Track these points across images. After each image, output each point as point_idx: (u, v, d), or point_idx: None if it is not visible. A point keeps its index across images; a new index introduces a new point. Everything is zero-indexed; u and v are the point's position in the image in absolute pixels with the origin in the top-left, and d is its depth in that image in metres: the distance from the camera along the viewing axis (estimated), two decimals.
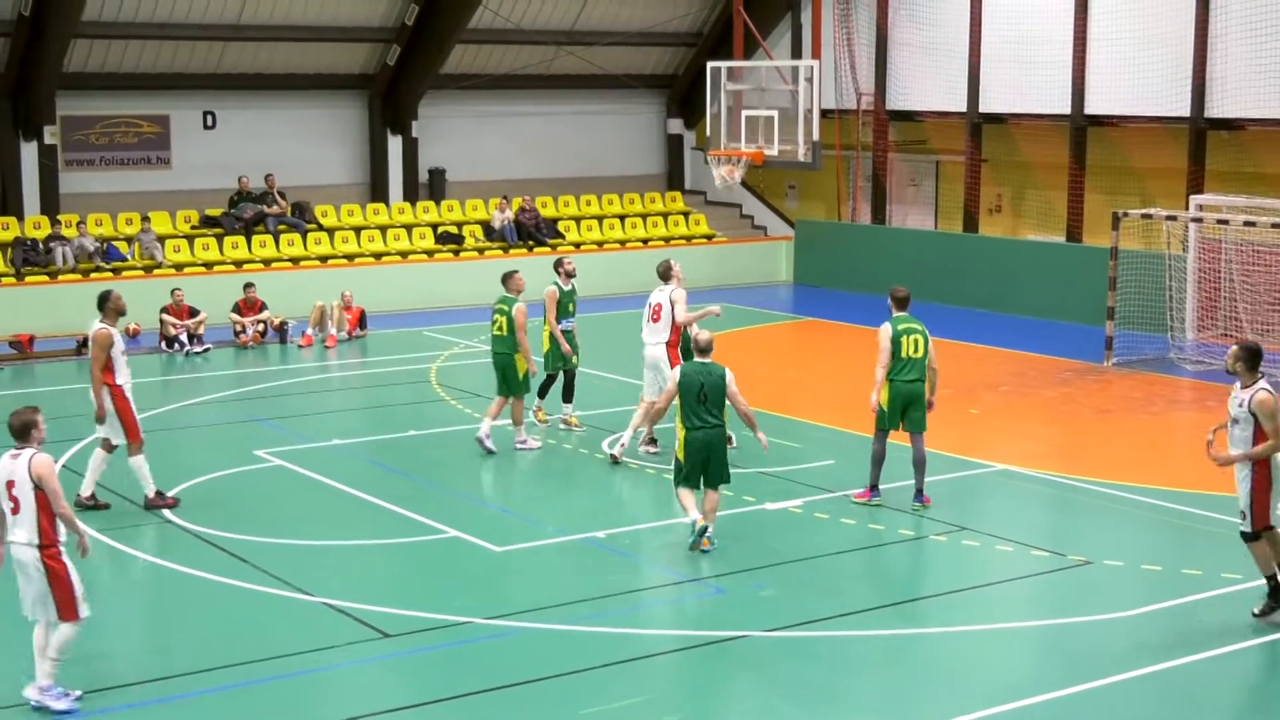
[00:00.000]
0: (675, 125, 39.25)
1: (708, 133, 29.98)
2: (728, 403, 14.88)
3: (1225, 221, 25.43)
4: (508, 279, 20.10)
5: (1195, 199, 27.30)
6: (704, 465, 14.90)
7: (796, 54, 32.98)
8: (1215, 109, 28.49)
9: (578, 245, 35.15)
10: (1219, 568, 14.34)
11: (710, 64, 30.08)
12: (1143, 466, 18.63)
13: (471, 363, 25.85)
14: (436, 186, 35.84)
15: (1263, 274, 26.32)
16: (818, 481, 17.59)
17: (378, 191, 35.08)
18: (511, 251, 33.95)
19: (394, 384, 24.29)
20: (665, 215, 37.39)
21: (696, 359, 14.98)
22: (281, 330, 27.85)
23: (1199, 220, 25.99)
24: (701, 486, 15.01)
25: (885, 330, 16.55)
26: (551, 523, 16.04)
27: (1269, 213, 25.70)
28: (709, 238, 37.02)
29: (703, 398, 14.75)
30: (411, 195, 35.19)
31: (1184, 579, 14.13)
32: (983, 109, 32.38)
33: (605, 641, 12.62)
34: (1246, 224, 24.83)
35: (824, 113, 29.97)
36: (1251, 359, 12.82)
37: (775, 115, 28.85)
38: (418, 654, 12.39)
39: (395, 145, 35.06)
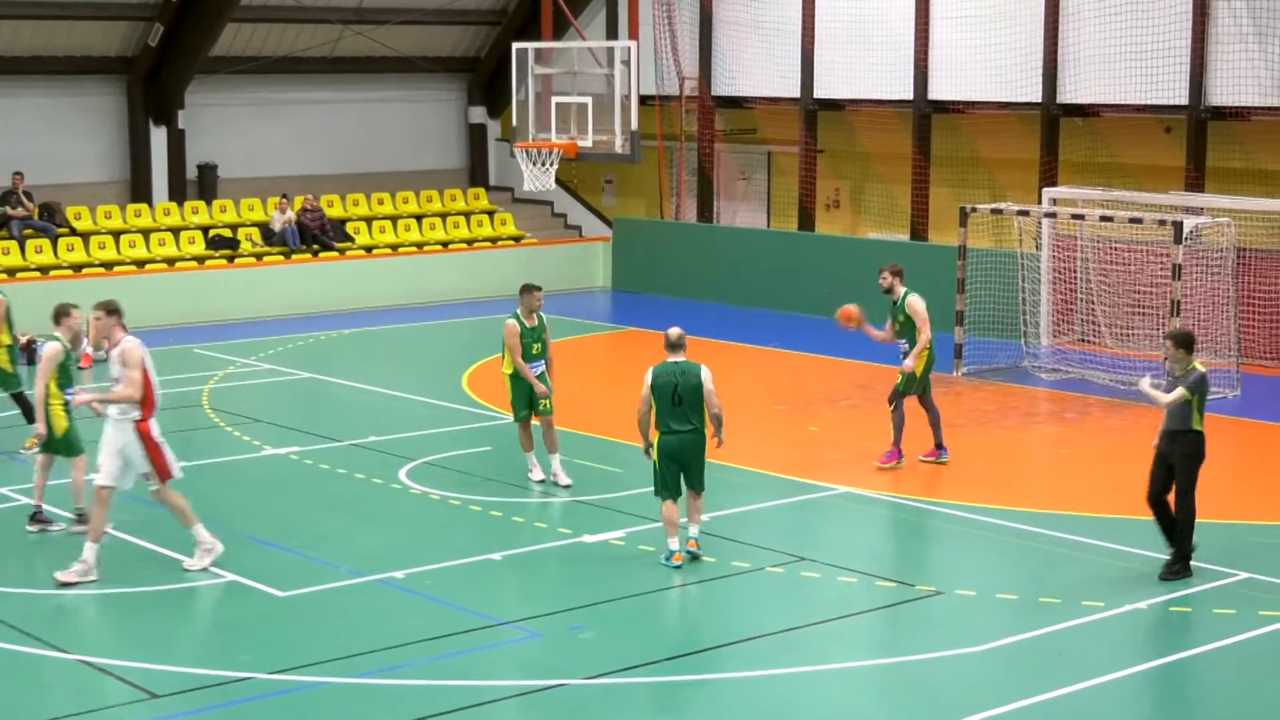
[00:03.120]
0: (477, 114, 39.21)
1: (514, 122, 29.97)
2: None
3: (1080, 216, 26.08)
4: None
5: (1049, 192, 27.99)
6: (681, 473, 15.52)
7: (612, 34, 33.09)
8: (1069, 94, 29.26)
9: (369, 249, 34.95)
10: (1079, 595, 14.68)
11: (516, 45, 30.07)
12: (996, 486, 19.02)
13: (250, 384, 25.54)
14: (207, 184, 35.36)
15: (1121, 273, 27.07)
16: (641, 510, 17.64)
17: (139, 190, 34.48)
18: (294, 257, 33.64)
19: (161, 409, 23.79)
20: (468, 215, 37.33)
21: (670, 357, 15.25)
22: (28, 350, 27.22)
23: (1053, 215, 26.62)
24: (683, 490, 15.60)
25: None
26: (344, 563, 15.90)
27: (1127, 206, 26.42)
28: (517, 239, 37.03)
29: (677, 399, 15.26)
30: (178, 194, 34.66)
31: (1042, 608, 14.44)
32: (818, 94, 32.85)
33: (405, 695, 12.53)
34: (1103, 219, 25.50)
35: (643, 99, 30.12)
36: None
37: (589, 102, 28.92)
38: (191, 716, 12.19)
39: (159, 138, 34.50)
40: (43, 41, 32.95)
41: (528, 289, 19.25)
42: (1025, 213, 26.53)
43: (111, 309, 16.12)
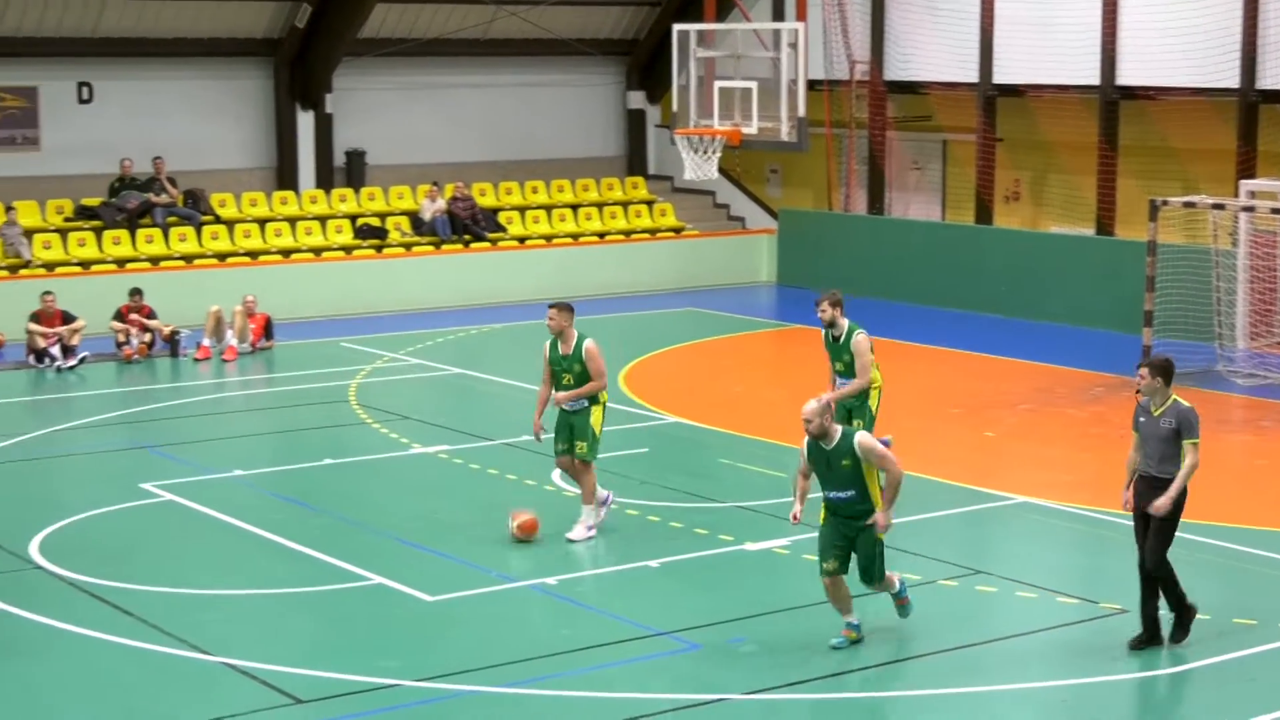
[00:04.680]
0: (636, 99, 39.32)
1: (674, 108, 30.03)
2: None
3: None
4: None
5: (1245, 184, 27.51)
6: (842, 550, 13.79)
7: (778, 15, 33.00)
8: (1268, 79, 28.70)
9: (522, 240, 35.19)
10: (1277, 615, 14.44)
11: (677, 27, 30.13)
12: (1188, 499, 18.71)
13: (398, 379, 25.84)
14: (355, 171, 35.80)
15: None
16: (807, 518, 17.59)
17: (285, 178, 35.01)
18: (444, 248, 33.97)
19: (306, 404, 24.25)
20: (625, 205, 37.45)
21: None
22: (172, 341, 27.77)
23: (1250, 209, 26.18)
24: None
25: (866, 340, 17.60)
26: (495, 567, 16.04)
27: None
28: (677, 231, 37.08)
29: (829, 467, 13.61)
30: (326, 182, 35.14)
31: (1235, 630, 14.22)
32: (997, 79, 32.54)
33: (556, 706, 12.62)
34: None
35: (811, 84, 30.03)
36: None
37: (754, 87, 28.88)
38: None
39: (306, 123, 35.00)
40: (187, 23, 33.55)
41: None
42: (1220, 206, 26.11)
43: None
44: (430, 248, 34.00)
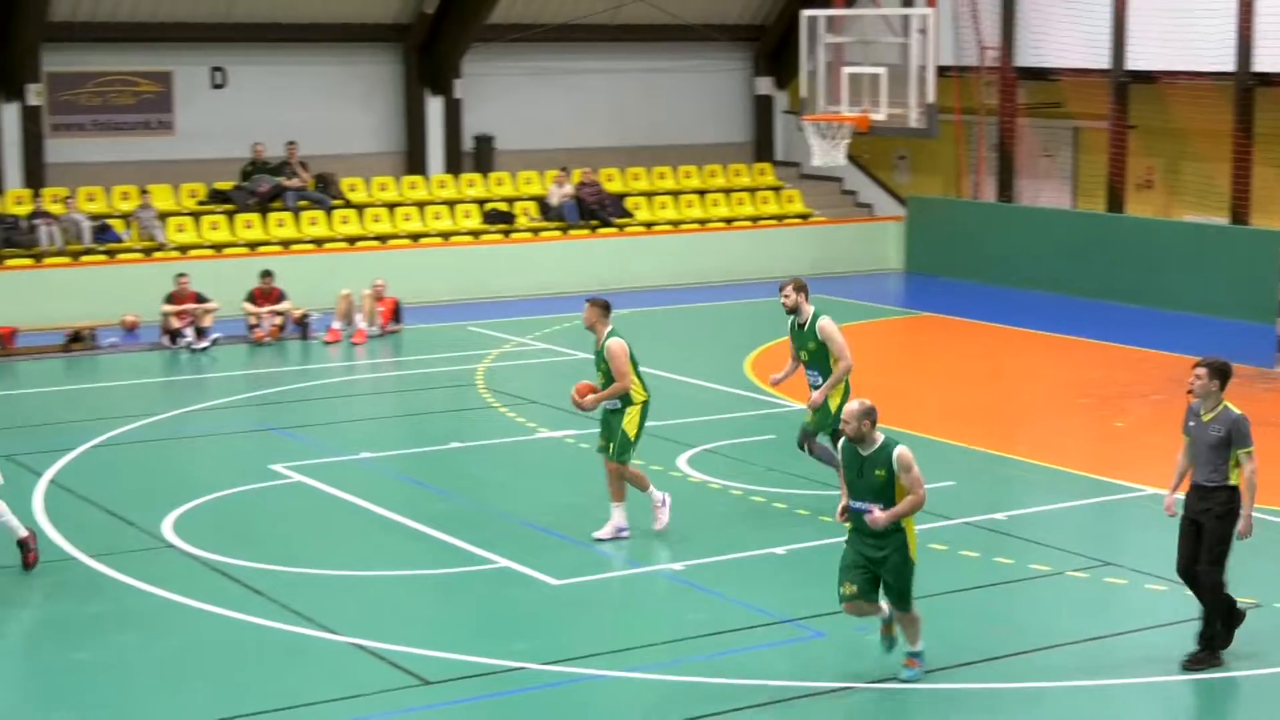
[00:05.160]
0: (764, 85, 39.23)
1: (803, 94, 29.94)
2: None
3: None
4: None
5: None
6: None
7: (908, 1, 32.88)
8: None
9: (649, 226, 35.22)
10: None
11: (805, 12, 30.05)
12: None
13: (525, 364, 25.96)
14: (483, 156, 35.98)
15: None
16: (934, 506, 17.50)
17: (415, 162, 35.26)
18: (571, 233, 34.07)
19: (433, 388, 24.42)
20: (752, 191, 37.38)
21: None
22: (303, 324, 28.06)
23: None
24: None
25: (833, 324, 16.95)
26: (621, 552, 16.09)
27: None
28: (804, 217, 36.98)
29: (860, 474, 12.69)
30: (454, 166, 35.35)
31: None
32: (1129, 66, 32.16)
33: (682, 691, 12.63)
34: None
35: (941, 70, 29.87)
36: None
37: (883, 73, 28.78)
38: (462, 705, 12.46)
39: (435, 108, 35.23)
40: (319, 9, 33.86)
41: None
42: None
43: None
44: (557, 233, 34.11)
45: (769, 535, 16.55)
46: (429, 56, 34.93)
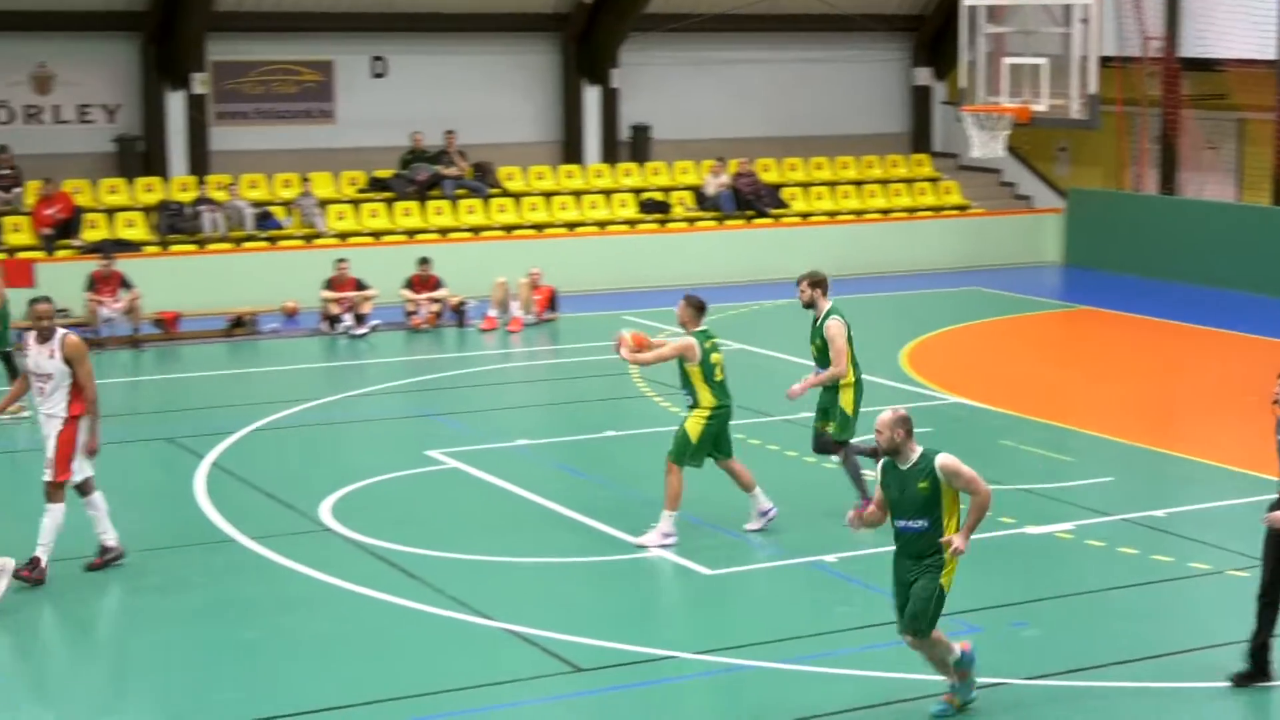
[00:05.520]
0: (922, 75, 38.95)
1: (962, 84, 29.68)
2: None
3: None
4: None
5: None
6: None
7: None
8: None
9: (805, 216, 35.10)
10: None
11: (966, 2, 29.77)
12: None
13: None
14: (640, 146, 36.04)
15: None
16: (1091, 502, 17.33)
17: (571, 151, 35.39)
18: (727, 223, 34.03)
19: (589, 376, 24.49)
20: (909, 182, 37.14)
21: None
22: (460, 311, 28.27)
23: None
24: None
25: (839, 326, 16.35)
26: (774, 543, 16.04)
27: None
28: (962, 209, 36.68)
29: (901, 490, 11.84)
30: (611, 156, 35.44)
31: None
32: None
33: (833, 683, 12.58)
34: None
35: (1103, 61, 29.45)
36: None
37: (1044, 63, 28.46)
38: (612, 692, 12.48)
39: (592, 97, 35.34)
40: None
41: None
42: None
43: None
44: (713, 223, 34.08)
45: None
46: (586, 46, 35.04)
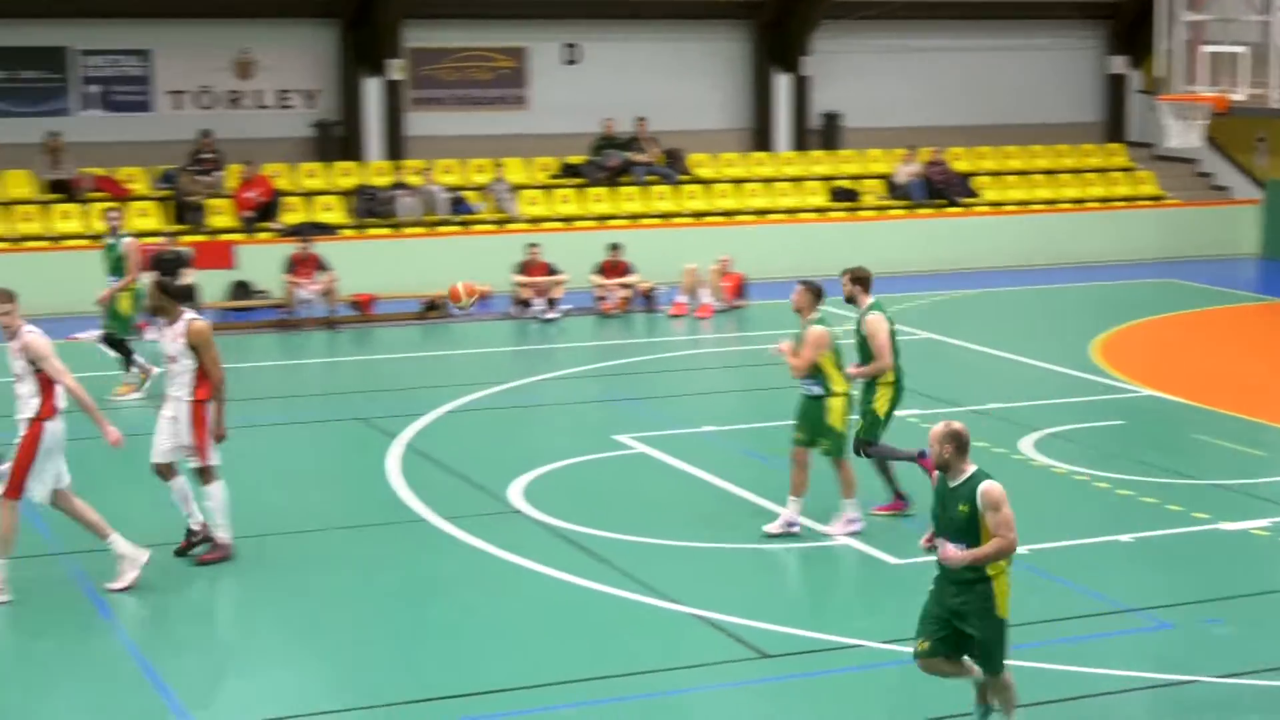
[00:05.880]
0: (1117, 64, 38.39)
1: (1158, 73, 29.25)
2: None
3: None
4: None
5: None
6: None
7: None
8: None
9: (996, 206, 34.77)
10: None
11: None
12: None
13: None
14: (831, 134, 35.93)
15: None
16: None
17: (762, 139, 35.37)
18: (917, 212, 33.81)
19: (777, 364, 24.32)
20: (1103, 171, 36.66)
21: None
22: (649, 297, 28.40)
23: None
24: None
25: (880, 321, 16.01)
26: None
27: None
28: (1157, 199, 36.12)
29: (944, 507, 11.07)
30: (801, 144, 35.37)
31: None
32: None
33: (1023, 678, 12.46)
34: None
35: None
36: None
37: (1244, 52, 27.98)
38: (799, 679, 12.48)
39: (783, 85, 35.28)
40: None
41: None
42: None
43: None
44: (903, 211, 33.89)
45: (1114, 522, 16.21)
46: (778, 34, 34.99)
